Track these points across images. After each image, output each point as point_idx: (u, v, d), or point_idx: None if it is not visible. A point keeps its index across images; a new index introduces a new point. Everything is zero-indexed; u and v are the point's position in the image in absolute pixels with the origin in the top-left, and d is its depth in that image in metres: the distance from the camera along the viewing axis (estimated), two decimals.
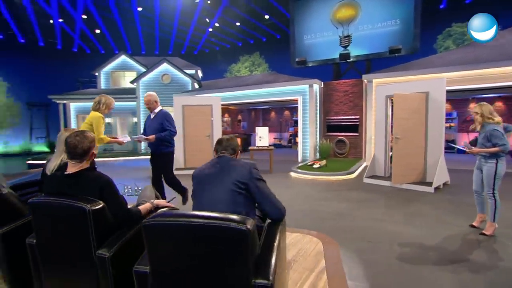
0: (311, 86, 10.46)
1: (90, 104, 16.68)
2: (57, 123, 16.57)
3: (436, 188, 5.90)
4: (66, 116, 17.05)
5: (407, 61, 10.44)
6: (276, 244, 1.62)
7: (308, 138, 10.54)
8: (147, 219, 1.44)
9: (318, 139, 10.87)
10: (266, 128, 8.87)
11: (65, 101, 16.88)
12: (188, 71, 17.55)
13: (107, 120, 16.43)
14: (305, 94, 10.61)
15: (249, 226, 1.31)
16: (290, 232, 3.66)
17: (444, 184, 6.21)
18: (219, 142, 2.15)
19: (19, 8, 20.70)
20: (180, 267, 1.42)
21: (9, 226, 2.30)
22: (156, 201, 2.36)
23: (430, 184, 5.97)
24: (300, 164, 9.12)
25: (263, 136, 8.78)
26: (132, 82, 16.08)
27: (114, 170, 9.45)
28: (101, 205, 1.86)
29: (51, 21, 22.66)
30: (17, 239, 2.20)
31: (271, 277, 1.37)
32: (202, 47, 29.18)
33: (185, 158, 9.10)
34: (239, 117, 16.93)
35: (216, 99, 9.30)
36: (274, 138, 17.35)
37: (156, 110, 4.21)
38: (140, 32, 25.67)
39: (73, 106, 17.18)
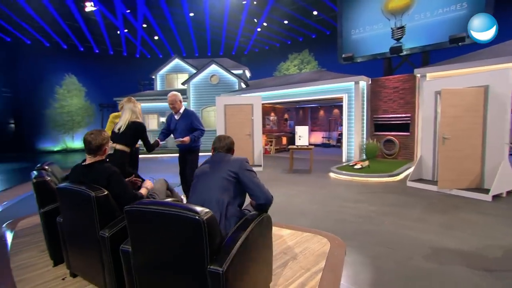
0: (357, 83, 9.96)
1: (148, 105, 18.27)
2: None
3: (496, 196, 5.18)
4: None
5: (474, 51, 9.26)
6: (244, 235, 1.65)
7: (353, 137, 10.05)
8: (128, 206, 1.62)
9: (364, 139, 10.30)
10: (306, 127, 8.68)
11: None
12: (235, 71, 17.97)
13: (161, 119, 17.66)
14: (350, 91, 10.14)
15: (204, 217, 1.42)
16: (301, 231, 3.58)
17: (509, 192, 5.41)
18: (218, 140, 2.35)
19: (94, 23, 23.36)
20: (151, 247, 1.61)
21: (48, 206, 2.72)
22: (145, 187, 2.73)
23: (487, 191, 5.26)
24: (341, 165, 8.75)
25: (302, 135, 8.61)
26: (183, 83, 17.00)
27: (159, 165, 10.08)
28: (104, 193, 2.11)
29: (118, 32, 25.07)
30: (53, 217, 2.60)
31: (225, 265, 1.45)
32: (251, 47, 29.62)
33: None
34: (286, 116, 16.81)
35: (257, 98, 9.36)
36: (323, 138, 16.88)
37: (181, 110, 4.22)
38: (192, 36, 27.02)
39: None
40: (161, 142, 3.91)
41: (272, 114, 15.44)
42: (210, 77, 16.45)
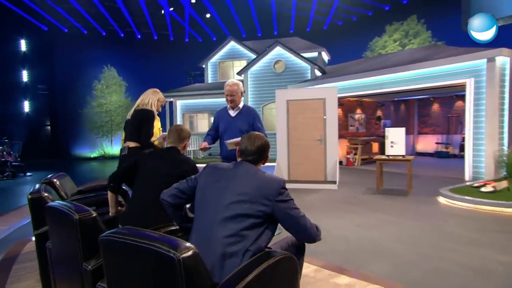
0: (491, 60, 8.93)
1: (197, 101, 19.19)
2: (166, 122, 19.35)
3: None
4: (173, 115, 19.50)
5: None
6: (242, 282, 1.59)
7: (484, 144, 9.06)
8: (103, 234, 1.70)
9: (504, 146, 9.20)
10: (401, 130, 8.12)
11: (171, 99, 19.37)
12: (308, 55, 17.88)
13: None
14: (478, 74, 9.19)
15: (181, 254, 1.40)
16: (368, 282, 3.34)
17: None
18: (248, 139, 2.26)
19: (134, 2, 25.69)
20: (126, 283, 1.68)
21: (41, 228, 3.00)
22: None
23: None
24: (460, 185, 7.98)
25: (396, 141, 8.08)
26: (239, 73, 17.52)
27: None
28: (92, 215, 2.26)
29: (162, 12, 27.10)
30: (45, 241, 2.84)
31: None
32: (332, 18, 29.07)
33: (289, 169, 9.26)
34: (379, 113, 16.09)
35: (331, 90, 9.12)
36: (437, 143, 15.70)
37: (240, 106, 4.28)
38: (254, 12, 27.69)
39: (180, 104, 19.72)
40: (209, 145, 4.04)
41: (359, 111, 14.92)
42: (274, 64, 16.65)
